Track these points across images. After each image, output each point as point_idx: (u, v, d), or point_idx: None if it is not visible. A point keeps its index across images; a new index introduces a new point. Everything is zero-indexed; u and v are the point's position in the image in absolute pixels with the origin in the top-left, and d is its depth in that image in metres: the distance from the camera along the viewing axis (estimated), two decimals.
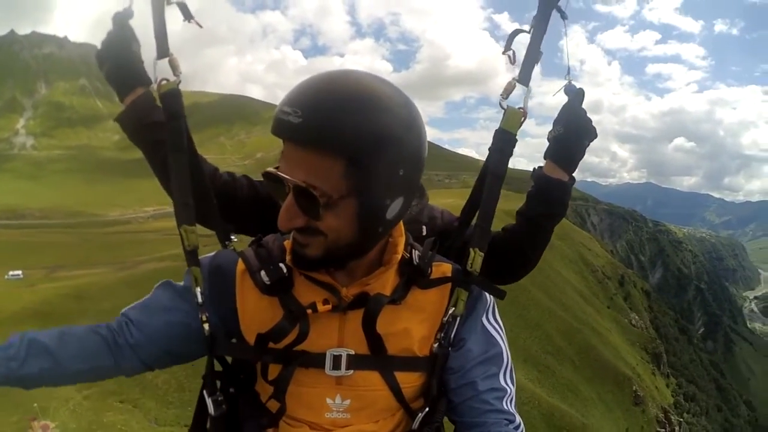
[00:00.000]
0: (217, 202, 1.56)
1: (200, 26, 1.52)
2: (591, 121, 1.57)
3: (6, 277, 63.06)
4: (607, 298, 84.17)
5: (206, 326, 1.29)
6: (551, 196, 1.59)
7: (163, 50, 1.44)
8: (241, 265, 1.31)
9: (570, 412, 41.81)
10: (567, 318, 59.23)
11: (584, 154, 1.59)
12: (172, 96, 1.44)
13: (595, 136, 1.58)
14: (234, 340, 1.34)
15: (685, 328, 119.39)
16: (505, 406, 1.31)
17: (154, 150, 1.58)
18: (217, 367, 1.36)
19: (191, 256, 1.34)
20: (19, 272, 65.18)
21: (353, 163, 1.04)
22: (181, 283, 1.36)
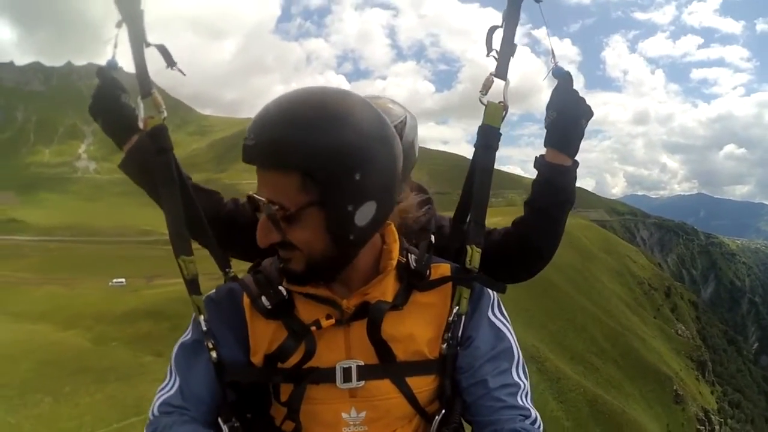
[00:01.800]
0: (223, 229, 1.67)
1: (183, 74, 1.56)
2: (584, 99, 1.55)
3: (110, 284, 69.52)
4: (653, 308, 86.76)
5: (213, 354, 1.29)
6: (555, 182, 1.57)
7: (145, 89, 1.47)
8: None
9: (612, 401, 45.71)
10: (612, 324, 63.04)
11: (583, 135, 1.57)
12: (159, 132, 1.45)
13: (591, 114, 1.56)
14: (247, 366, 1.33)
15: (733, 339, 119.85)
16: (520, 402, 1.29)
17: (157, 195, 1.58)
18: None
19: (192, 285, 1.36)
20: (123, 280, 71.02)
21: (307, 174, 1.07)
22: (189, 337, 1.36)
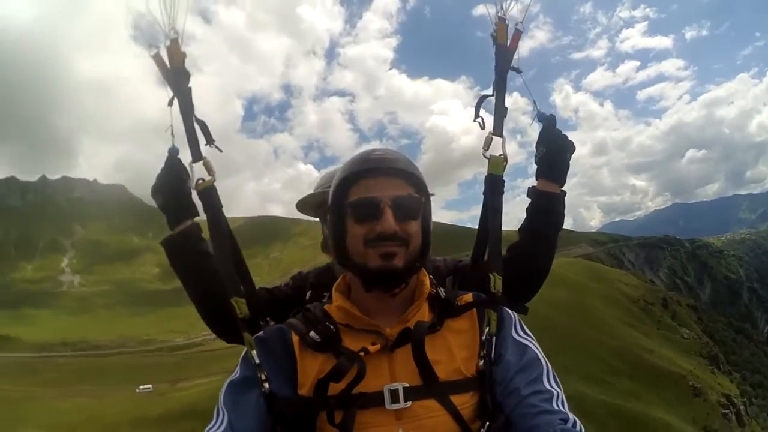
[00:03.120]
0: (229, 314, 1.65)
1: (220, 150, 1.69)
2: (567, 137, 1.74)
3: (137, 390, 68.77)
4: (654, 322, 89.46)
5: (266, 385, 1.38)
6: (549, 207, 1.76)
7: (196, 155, 1.63)
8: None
9: (633, 408, 49.08)
10: (617, 343, 66.12)
11: (569, 166, 1.77)
12: (209, 192, 1.64)
13: (574, 148, 1.75)
14: (296, 398, 1.40)
15: (740, 329, 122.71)
16: (556, 407, 1.33)
17: (194, 277, 1.78)
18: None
19: (244, 323, 1.51)
20: (149, 386, 70.48)
21: (419, 192, 1.45)
22: (238, 375, 1.43)
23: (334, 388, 1.34)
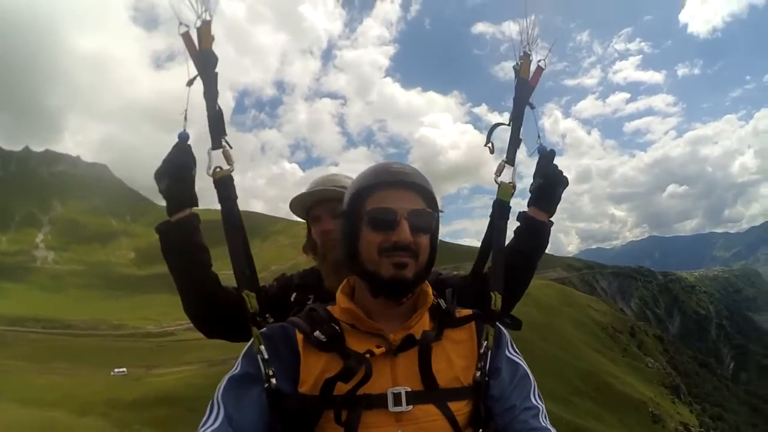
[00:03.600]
0: (231, 315, 1.73)
1: (230, 147, 1.63)
2: (562, 172, 1.83)
3: (111, 373, 65.84)
4: (620, 349, 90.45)
5: (273, 380, 1.38)
6: (537, 233, 1.85)
7: (217, 142, 1.60)
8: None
9: (594, 429, 49.34)
10: (583, 366, 67.10)
11: (560, 200, 1.86)
12: (225, 182, 1.61)
13: (567, 183, 1.85)
14: (299, 395, 1.40)
15: (705, 363, 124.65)
16: (542, 422, 1.46)
17: (186, 269, 1.74)
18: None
19: (253, 318, 1.50)
20: (124, 369, 67.77)
21: (431, 207, 1.49)
22: (239, 371, 1.43)
23: (340, 388, 1.37)
